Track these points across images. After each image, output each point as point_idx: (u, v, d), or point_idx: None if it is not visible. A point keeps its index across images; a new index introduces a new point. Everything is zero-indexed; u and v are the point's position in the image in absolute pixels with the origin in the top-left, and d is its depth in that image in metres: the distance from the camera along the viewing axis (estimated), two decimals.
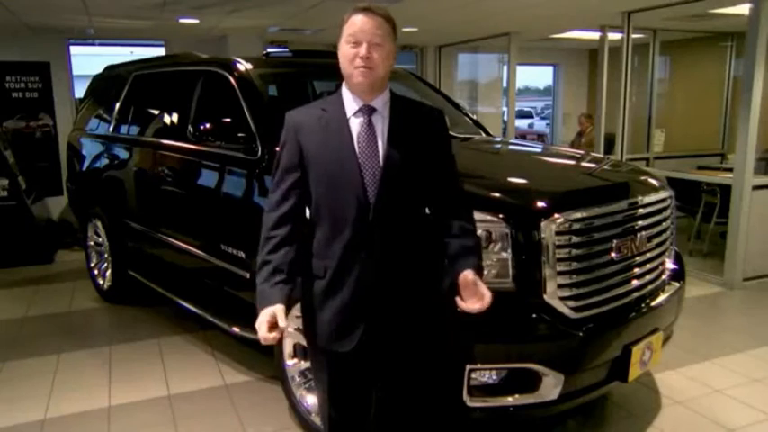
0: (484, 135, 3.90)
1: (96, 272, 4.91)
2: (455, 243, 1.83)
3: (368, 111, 1.80)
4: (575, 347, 2.36)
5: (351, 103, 1.81)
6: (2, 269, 5.74)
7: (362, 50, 1.72)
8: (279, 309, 1.74)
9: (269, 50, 4.16)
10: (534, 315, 2.31)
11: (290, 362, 2.85)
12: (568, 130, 10.34)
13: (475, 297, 1.72)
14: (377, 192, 1.74)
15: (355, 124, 1.79)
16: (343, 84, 1.84)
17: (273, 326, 1.71)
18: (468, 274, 1.73)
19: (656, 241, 2.74)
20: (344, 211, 1.75)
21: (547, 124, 17.29)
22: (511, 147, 4.00)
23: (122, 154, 4.38)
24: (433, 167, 1.84)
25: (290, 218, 1.82)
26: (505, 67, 8.45)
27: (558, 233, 2.33)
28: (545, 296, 2.32)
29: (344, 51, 1.76)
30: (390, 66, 1.80)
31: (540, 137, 14.68)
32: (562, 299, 2.34)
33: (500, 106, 9.85)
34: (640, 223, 2.64)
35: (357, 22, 1.74)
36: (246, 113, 3.17)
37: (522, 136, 12.39)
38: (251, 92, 3.27)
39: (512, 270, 2.31)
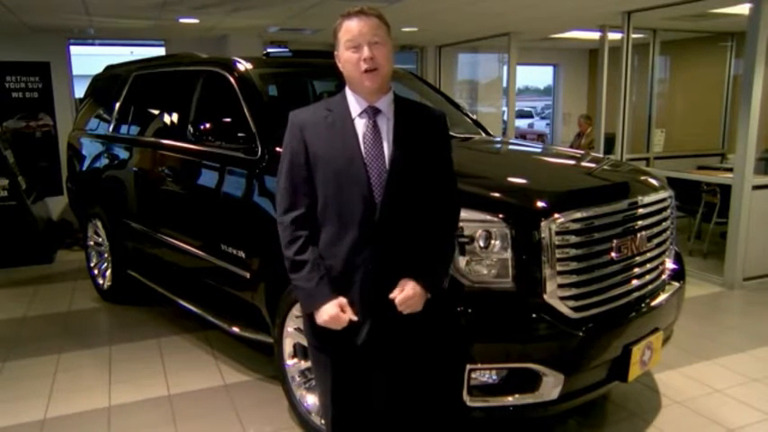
0: (484, 135, 3.90)
1: (96, 272, 4.91)
2: (426, 248, 1.86)
3: (373, 112, 1.81)
4: (575, 347, 2.36)
5: (355, 104, 1.82)
6: (2, 269, 5.75)
7: (365, 52, 1.74)
8: (343, 300, 1.79)
9: (269, 50, 4.16)
10: (534, 315, 2.31)
11: (290, 362, 2.85)
12: (568, 130, 10.34)
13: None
14: (383, 191, 1.75)
15: (360, 125, 1.81)
16: (347, 85, 1.86)
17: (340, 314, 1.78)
18: (406, 281, 1.80)
19: (656, 241, 2.74)
20: (351, 210, 1.76)
21: (547, 124, 17.30)
22: (511, 147, 4.00)
23: (122, 154, 4.38)
24: (434, 169, 1.85)
25: (307, 219, 1.83)
26: (505, 67, 8.45)
27: (558, 233, 2.33)
28: (545, 296, 2.32)
29: (347, 57, 1.77)
30: (392, 64, 1.82)
31: (540, 137, 14.68)
32: (562, 299, 2.34)
33: (500, 106, 9.85)
34: (640, 223, 2.64)
35: (354, 27, 1.75)
36: (246, 113, 3.17)
37: (522, 136, 12.39)
38: (251, 92, 3.26)
39: (512, 270, 2.30)
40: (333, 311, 1.77)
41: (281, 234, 1.86)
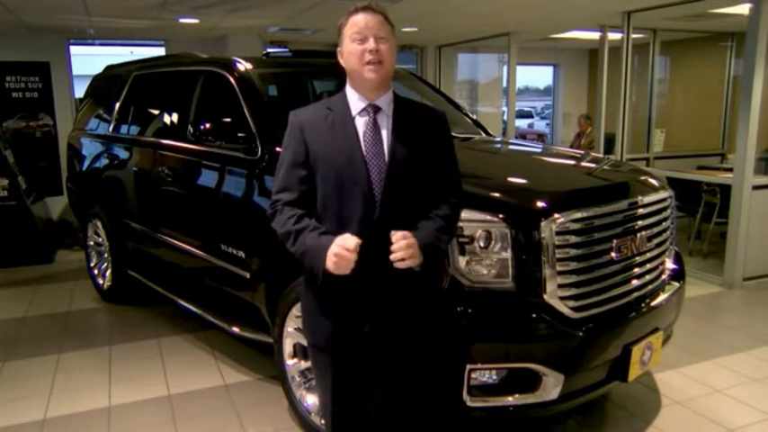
0: (484, 135, 3.90)
1: (96, 272, 4.91)
2: (429, 217, 1.81)
3: (373, 110, 1.81)
4: (575, 347, 2.36)
5: (356, 102, 1.83)
6: (2, 269, 5.75)
7: (371, 44, 1.75)
8: (344, 236, 1.69)
9: (269, 50, 4.16)
10: (534, 315, 2.31)
11: (290, 362, 2.85)
12: (568, 130, 10.35)
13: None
14: (383, 189, 1.75)
15: (360, 123, 1.81)
16: (348, 83, 1.86)
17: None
18: (404, 232, 1.71)
19: (656, 241, 2.74)
20: (351, 208, 1.76)
21: (547, 124, 17.30)
22: (511, 147, 4.00)
23: (122, 154, 4.38)
24: (436, 168, 1.85)
25: (300, 203, 1.82)
26: (505, 67, 8.45)
27: (558, 233, 2.33)
28: (545, 296, 2.32)
29: (351, 49, 1.78)
30: (394, 62, 1.82)
31: (540, 137, 14.68)
32: (562, 299, 2.34)
33: (500, 106, 9.85)
34: (640, 223, 2.64)
35: (360, 20, 1.77)
36: (246, 113, 3.17)
37: (522, 136, 12.39)
38: (251, 92, 3.27)
39: (512, 270, 2.31)
40: (336, 250, 1.67)
41: (276, 220, 1.82)
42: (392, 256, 1.70)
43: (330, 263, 1.70)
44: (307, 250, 1.76)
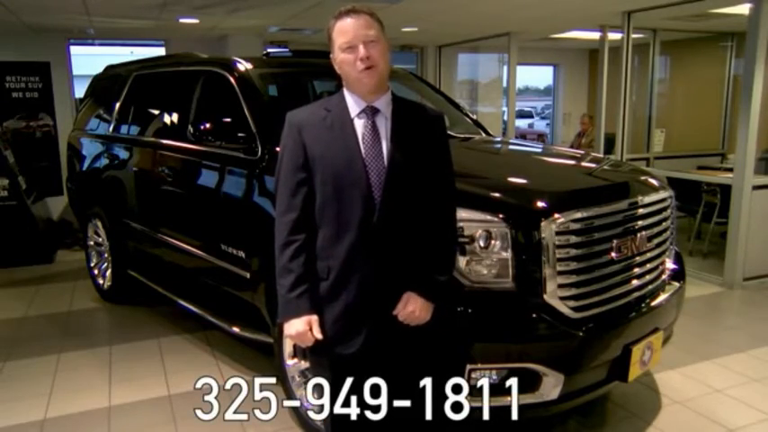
0: (484, 135, 3.90)
1: (96, 272, 4.91)
2: (426, 257, 1.85)
3: (371, 112, 1.80)
4: (575, 347, 2.36)
5: (354, 104, 1.82)
6: (2, 269, 5.74)
7: (361, 52, 1.74)
8: (314, 319, 1.80)
9: (269, 50, 4.16)
10: (534, 315, 2.31)
11: (290, 362, 2.84)
12: (568, 130, 10.35)
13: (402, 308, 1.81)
14: (382, 192, 1.75)
15: (359, 125, 1.80)
16: (344, 85, 1.86)
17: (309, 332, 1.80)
18: (409, 296, 1.81)
19: (656, 241, 2.73)
20: (350, 211, 1.75)
21: (547, 124, 17.31)
22: (511, 147, 4.00)
23: (122, 154, 4.38)
24: (432, 169, 1.85)
25: (304, 222, 1.81)
26: (505, 67, 8.45)
27: (558, 233, 2.33)
28: (545, 296, 2.32)
29: (343, 58, 1.78)
30: (388, 61, 1.81)
31: (540, 137, 14.68)
32: (562, 299, 2.34)
33: (500, 106, 9.85)
34: (640, 223, 2.64)
35: (347, 28, 1.76)
36: (246, 113, 3.17)
37: (523, 136, 12.39)
38: (251, 92, 3.27)
39: (512, 270, 2.30)
40: (301, 328, 1.78)
41: (277, 234, 1.85)
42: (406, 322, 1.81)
43: (287, 332, 1.83)
44: (279, 294, 1.83)
